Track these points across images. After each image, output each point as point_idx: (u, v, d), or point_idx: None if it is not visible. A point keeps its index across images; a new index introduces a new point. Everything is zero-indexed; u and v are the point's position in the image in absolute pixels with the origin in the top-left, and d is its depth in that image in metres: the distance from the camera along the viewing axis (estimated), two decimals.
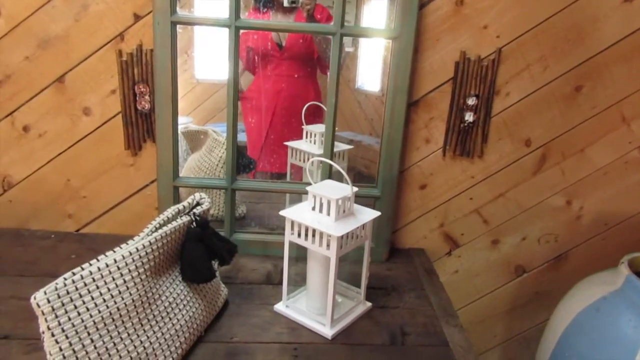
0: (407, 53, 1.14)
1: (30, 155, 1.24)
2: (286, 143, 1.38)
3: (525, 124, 1.27)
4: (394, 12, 1.13)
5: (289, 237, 0.99)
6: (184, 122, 1.44)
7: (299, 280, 1.12)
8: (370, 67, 1.35)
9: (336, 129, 1.19)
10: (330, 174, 1.20)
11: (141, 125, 1.22)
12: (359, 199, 1.02)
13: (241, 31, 1.13)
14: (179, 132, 1.53)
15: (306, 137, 1.36)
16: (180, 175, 1.24)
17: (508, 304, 1.47)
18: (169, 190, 1.21)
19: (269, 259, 1.24)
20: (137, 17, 1.15)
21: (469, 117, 1.24)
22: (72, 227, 1.31)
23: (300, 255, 1.07)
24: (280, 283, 1.12)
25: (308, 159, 1.33)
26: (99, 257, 0.77)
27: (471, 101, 1.23)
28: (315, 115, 1.35)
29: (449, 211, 1.35)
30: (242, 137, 1.37)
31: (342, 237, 0.91)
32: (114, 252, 0.79)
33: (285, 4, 1.22)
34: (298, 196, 1.36)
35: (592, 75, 1.24)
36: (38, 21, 1.14)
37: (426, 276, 1.22)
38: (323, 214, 0.96)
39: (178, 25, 1.11)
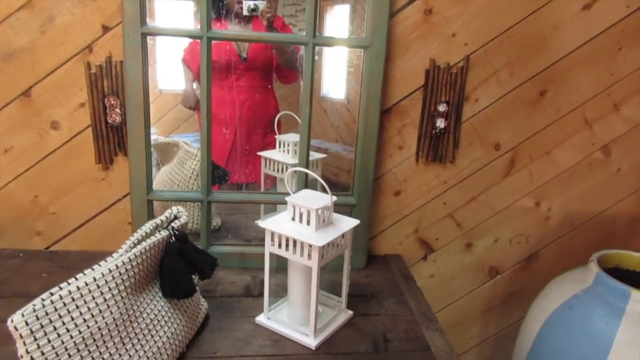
0: (379, 62, 1.15)
1: None
2: (259, 153, 1.37)
3: (494, 128, 1.30)
4: (364, 22, 1.15)
5: (269, 248, 0.98)
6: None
7: (279, 291, 1.11)
8: (335, 74, 1.36)
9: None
10: (306, 183, 1.20)
11: (112, 138, 1.19)
12: (335, 207, 1.02)
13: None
14: None
15: (279, 146, 1.36)
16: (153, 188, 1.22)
17: (483, 306, 1.50)
18: (143, 204, 1.18)
19: (247, 270, 1.23)
20: (105, 29, 1.12)
21: (440, 123, 1.26)
22: (41, 244, 1.27)
23: (279, 266, 1.07)
24: (260, 295, 1.12)
25: (282, 169, 1.33)
26: (78, 276, 0.75)
27: (442, 108, 1.25)
28: (277, 125, 1.35)
29: (423, 216, 1.37)
30: None
31: (323, 246, 0.91)
32: (93, 269, 0.77)
33: (245, 12, 1.21)
34: (272, 206, 1.36)
35: (556, 80, 1.28)
36: (2, 34, 1.10)
37: (404, 282, 1.23)
38: (303, 224, 0.95)
39: (148, 37, 1.10)
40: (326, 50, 1.29)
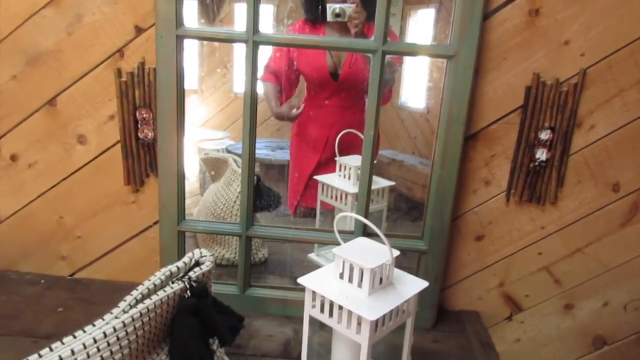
0: (467, 75, 0.91)
1: (20, 187, 1.09)
2: (316, 177, 1.18)
3: (613, 164, 1.02)
4: (450, 25, 0.91)
5: (310, 311, 0.77)
6: (220, 137, 1.35)
7: (323, 353, 0.90)
8: (415, 82, 1.23)
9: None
10: (364, 229, 0.98)
11: (143, 157, 1.04)
12: (401, 254, 0.80)
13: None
14: (199, 159, 1.37)
15: (339, 170, 1.16)
16: (196, 210, 1.04)
17: None
18: (173, 235, 1.01)
19: (289, 321, 1.03)
20: (138, 30, 0.97)
21: (542, 154, 1.00)
22: (65, 270, 1.15)
23: None
24: (299, 358, 0.91)
25: (341, 197, 1.14)
26: (65, 340, 0.59)
27: (545, 135, 0.99)
28: (350, 145, 1.16)
29: (511, 268, 1.11)
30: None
31: (377, 320, 0.69)
32: (84, 332, 0.60)
33: (329, 18, 1.06)
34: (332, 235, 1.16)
35: None
36: (26, 34, 0.98)
37: (482, 351, 0.98)
38: (353, 285, 0.74)
39: (185, 40, 0.93)
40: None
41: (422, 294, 0.83)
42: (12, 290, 1.08)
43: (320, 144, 1.23)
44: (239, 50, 1.12)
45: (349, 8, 1.05)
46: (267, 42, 0.94)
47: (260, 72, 1.04)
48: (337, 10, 1.05)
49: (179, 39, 0.92)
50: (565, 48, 0.95)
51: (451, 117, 0.94)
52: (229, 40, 0.95)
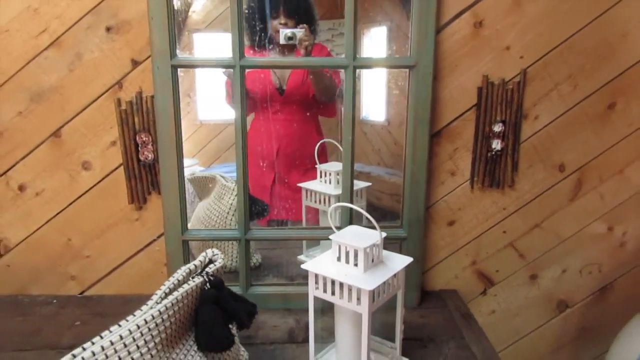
0: (427, 81, 1.06)
1: (28, 215, 1.16)
2: (300, 184, 1.30)
3: (557, 148, 1.18)
4: (404, 41, 1.06)
5: (314, 292, 0.89)
6: (189, 164, 1.38)
7: (325, 336, 1.01)
8: (374, 96, 1.30)
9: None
10: (351, 217, 1.10)
11: (145, 176, 1.14)
12: (384, 241, 0.92)
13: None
14: (185, 179, 1.46)
15: (320, 176, 1.28)
16: (189, 226, 1.15)
17: (553, 343, 1.35)
18: (178, 245, 1.11)
19: (290, 312, 1.14)
20: (135, 63, 1.08)
21: (497, 144, 1.15)
22: (75, 289, 1.22)
23: (325, 306, 0.96)
24: (305, 341, 1.02)
25: (324, 200, 1.26)
26: (104, 334, 0.68)
27: (498, 128, 1.14)
28: (319, 154, 1.29)
29: (480, 247, 1.24)
30: None
31: (374, 290, 0.81)
32: (120, 326, 0.69)
33: (282, 41, 1.16)
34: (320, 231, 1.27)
35: (626, 91, 1.15)
36: (30, 74, 1.08)
37: (464, 322, 1.11)
38: (350, 265, 0.86)
39: (179, 69, 1.04)
40: (364, 73, 1.23)
41: (407, 276, 0.96)
42: (28, 311, 1.15)
43: (271, 156, 1.29)
44: (202, 79, 1.23)
45: (300, 32, 1.16)
46: (252, 66, 1.06)
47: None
48: (289, 34, 1.15)
49: (174, 68, 1.03)
50: (506, 52, 1.11)
51: (417, 118, 1.08)
52: (219, 65, 1.07)
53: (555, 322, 1.33)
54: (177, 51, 1.03)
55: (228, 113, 1.27)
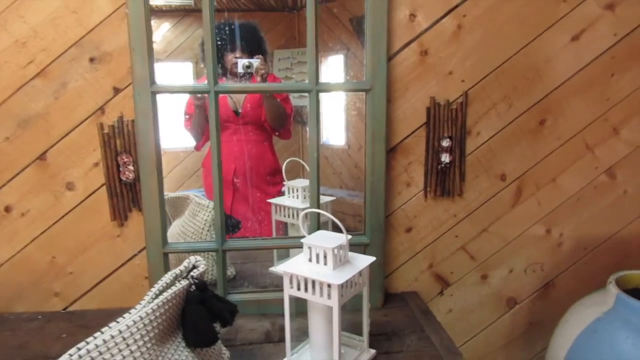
0: (381, 103, 1.19)
1: (14, 235, 1.22)
2: (269, 200, 1.39)
3: (498, 159, 1.33)
4: (359, 68, 1.20)
5: (289, 291, 0.99)
6: None
7: (299, 335, 1.10)
8: (333, 122, 1.41)
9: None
10: (318, 226, 1.22)
11: (126, 195, 1.22)
12: (349, 247, 1.04)
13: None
14: None
15: (289, 192, 1.38)
16: None
17: (504, 338, 1.48)
18: (159, 257, 1.20)
19: (266, 317, 1.23)
20: (116, 90, 1.17)
21: (445, 158, 1.29)
22: (59, 305, 1.28)
23: (298, 310, 1.06)
24: (280, 340, 1.11)
25: (292, 215, 1.35)
26: (103, 329, 0.76)
27: (445, 143, 1.28)
28: (273, 175, 1.41)
29: (436, 251, 1.37)
30: None
31: (342, 285, 0.92)
32: (118, 322, 0.78)
33: (240, 70, 1.27)
34: (285, 252, 1.37)
35: (553, 109, 1.32)
36: (17, 102, 1.15)
37: (424, 317, 1.23)
38: (320, 265, 0.96)
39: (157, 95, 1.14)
40: (324, 99, 1.31)
41: (371, 279, 1.07)
42: (14, 327, 1.19)
43: (229, 175, 1.36)
44: (162, 107, 1.23)
45: (256, 61, 1.28)
46: (225, 91, 1.18)
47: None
48: (247, 64, 1.27)
49: (153, 94, 1.13)
50: (450, 77, 1.26)
51: (374, 136, 1.21)
52: (195, 91, 1.18)
53: (506, 318, 1.46)
54: (156, 78, 1.13)
55: (187, 141, 1.37)
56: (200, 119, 1.31)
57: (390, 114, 1.25)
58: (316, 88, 1.16)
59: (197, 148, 1.39)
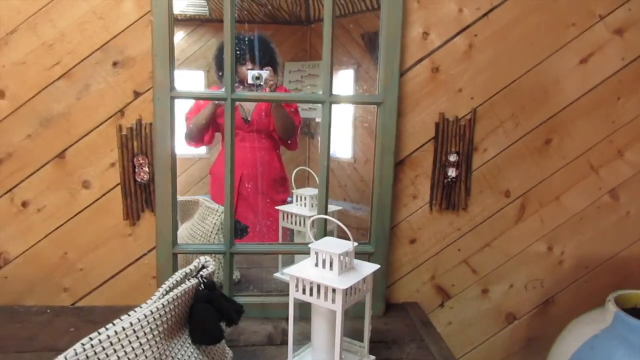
0: (392, 117, 1.23)
1: (29, 230, 1.26)
2: (278, 207, 1.42)
3: (503, 176, 1.36)
4: (370, 82, 1.23)
5: (294, 294, 1.02)
6: None
7: (301, 339, 1.13)
8: (341, 135, 1.42)
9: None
10: (325, 233, 1.25)
11: (140, 195, 1.25)
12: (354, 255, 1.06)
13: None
14: None
15: (296, 200, 1.41)
16: None
17: (503, 352, 1.50)
18: (169, 257, 1.23)
19: (269, 320, 1.25)
20: (136, 94, 1.21)
21: (452, 172, 1.32)
22: (67, 300, 1.31)
23: (301, 315, 1.09)
24: (283, 343, 1.14)
25: (299, 222, 1.38)
26: (115, 321, 0.79)
27: (452, 158, 1.31)
28: (279, 182, 1.44)
29: (439, 263, 1.40)
30: None
31: (346, 289, 0.95)
32: (129, 315, 0.81)
33: (250, 80, 1.30)
34: (290, 259, 1.40)
35: (559, 129, 1.35)
36: (41, 101, 1.20)
37: (424, 328, 1.25)
38: (326, 269, 0.99)
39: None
40: (332, 112, 1.35)
41: (373, 288, 1.10)
42: (24, 319, 1.22)
43: (236, 181, 1.34)
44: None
45: (265, 73, 1.31)
46: (241, 99, 1.21)
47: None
48: (256, 75, 1.29)
49: (172, 99, 1.17)
50: (459, 94, 1.30)
51: (383, 148, 1.25)
52: (212, 98, 1.22)
53: (504, 333, 1.48)
54: (175, 84, 1.18)
55: (194, 149, 1.40)
56: (206, 122, 1.34)
57: (400, 128, 1.28)
58: (329, 99, 1.20)
59: (188, 143, 1.41)
